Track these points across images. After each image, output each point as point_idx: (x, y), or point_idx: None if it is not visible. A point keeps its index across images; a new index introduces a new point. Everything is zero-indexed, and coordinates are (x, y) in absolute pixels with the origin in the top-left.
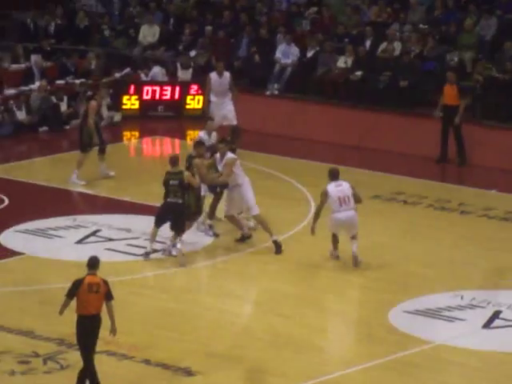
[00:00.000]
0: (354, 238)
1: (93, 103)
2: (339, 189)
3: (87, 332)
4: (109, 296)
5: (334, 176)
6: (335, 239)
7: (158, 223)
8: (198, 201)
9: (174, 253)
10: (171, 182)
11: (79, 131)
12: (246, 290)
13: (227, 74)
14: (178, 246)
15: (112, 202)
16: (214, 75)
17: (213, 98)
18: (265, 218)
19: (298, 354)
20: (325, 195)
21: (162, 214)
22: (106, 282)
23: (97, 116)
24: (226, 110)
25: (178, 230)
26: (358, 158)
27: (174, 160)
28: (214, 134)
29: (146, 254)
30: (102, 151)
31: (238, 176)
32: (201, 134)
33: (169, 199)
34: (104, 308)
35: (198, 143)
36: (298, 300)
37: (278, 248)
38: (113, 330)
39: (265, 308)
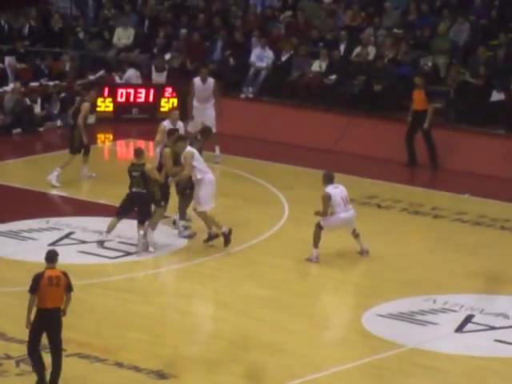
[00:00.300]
0: (358, 234)
1: (86, 104)
2: (338, 190)
3: (48, 325)
4: (69, 288)
5: (330, 179)
6: (319, 239)
7: (120, 214)
8: (162, 188)
9: (150, 249)
10: (133, 174)
11: (70, 132)
12: (219, 293)
13: (211, 81)
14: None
15: (86, 204)
16: (197, 80)
17: (195, 103)
18: (211, 215)
19: (269, 357)
20: (328, 198)
21: (126, 205)
22: (65, 275)
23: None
24: (205, 117)
25: (144, 218)
26: (332, 161)
27: (138, 152)
28: (181, 125)
29: (100, 243)
30: (86, 153)
31: (199, 171)
32: (164, 123)
33: (133, 189)
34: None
35: (172, 131)
36: (271, 303)
37: (226, 241)
38: (64, 313)
39: (237, 311)
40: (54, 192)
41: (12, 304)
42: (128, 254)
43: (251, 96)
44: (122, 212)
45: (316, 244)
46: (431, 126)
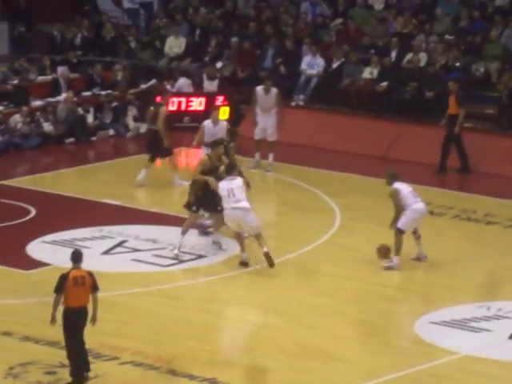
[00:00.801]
0: (419, 236)
1: (163, 108)
2: (404, 185)
3: (74, 324)
4: (95, 288)
5: (395, 177)
6: (402, 244)
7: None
8: (199, 194)
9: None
10: None
11: (151, 137)
12: (272, 300)
13: (274, 92)
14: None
15: (138, 212)
16: (260, 90)
17: (258, 111)
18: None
19: (321, 364)
20: (397, 193)
21: None
22: (90, 274)
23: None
24: (266, 125)
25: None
26: (384, 168)
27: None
28: (223, 125)
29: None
30: (169, 155)
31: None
32: (205, 123)
33: None
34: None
35: (216, 143)
36: (324, 311)
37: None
38: (93, 320)
39: (289, 318)
40: (107, 201)
41: None
42: (181, 261)
43: (302, 104)
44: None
45: (398, 251)
46: (461, 130)
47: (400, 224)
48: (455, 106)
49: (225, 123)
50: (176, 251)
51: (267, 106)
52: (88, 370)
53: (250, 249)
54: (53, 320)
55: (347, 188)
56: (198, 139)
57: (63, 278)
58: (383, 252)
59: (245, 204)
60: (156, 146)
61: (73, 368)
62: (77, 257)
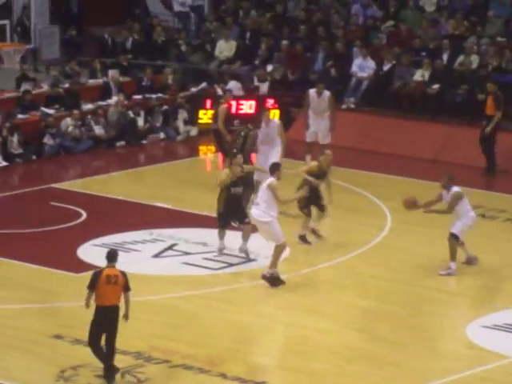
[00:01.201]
0: (463, 242)
1: (222, 107)
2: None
3: (105, 322)
4: (127, 287)
5: (453, 180)
6: (456, 250)
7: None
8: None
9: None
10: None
11: (215, 137)
12: (322, 303)
13: (326, 95)
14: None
15: (189, 215)
16: (312, 93)
17: (310, 114)
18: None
19: (372, 368)
20: (461, 197)
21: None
22: (124, 274)
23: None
24: (318, 128)
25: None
26: (435, 171)
27: None
28: (275, 123)
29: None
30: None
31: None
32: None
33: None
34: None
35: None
36: (374, 314)
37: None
38: (125, 317)
39: (340, 322)
40: (157, 204)
41: None
42: (231, 265)
43: (353, 106)
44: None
45: (454, 257)
46: (492, 131)
47: (456, 230)
48: (493, 107)
49: (276, 122)
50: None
51: (320, 109)
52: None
53: (301, 251)
54: (87, 305)
55: (398, 191)
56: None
57: (96, 276)
58: (409, 204)
59: (255, 212)
60: (222, 145)
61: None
62: (112, 256)
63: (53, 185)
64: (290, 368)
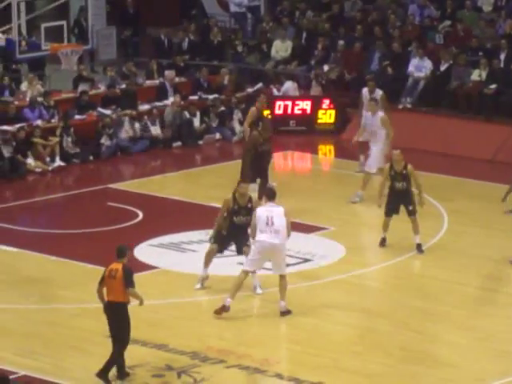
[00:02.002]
0: None
1: (252, 108)
2: None
3: (112, 318)
4: (127, 283)
5: None
6: None
7: None
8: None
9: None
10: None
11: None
12: (377, 304)
13: (379, 94)
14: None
15: None
16: (365, 91)
17: (364, 113)
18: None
19: (429, 369)
20: None
21: None
22: (124, 269)
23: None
24: (373, 127)
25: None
26: (492, 172)
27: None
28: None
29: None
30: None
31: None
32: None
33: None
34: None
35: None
36: (430, 315)
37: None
38: (140, 304)
39: (396, 323)
40: (213, 204)
41: (173, 315)
42: (287, 265)
43: (409, 106)
44: None
45: None
46: None
47: None
48: None
49: (380, 114)
50: (198, 285)
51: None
52: (107, 370)
53: (355, 251)
54: (101, 300)
55: (455, 192)
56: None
57: (104, 271)
58: None
59: (279, 238)
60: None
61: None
62: (119, 251)
63: (110, 185)
64: (346, 368)
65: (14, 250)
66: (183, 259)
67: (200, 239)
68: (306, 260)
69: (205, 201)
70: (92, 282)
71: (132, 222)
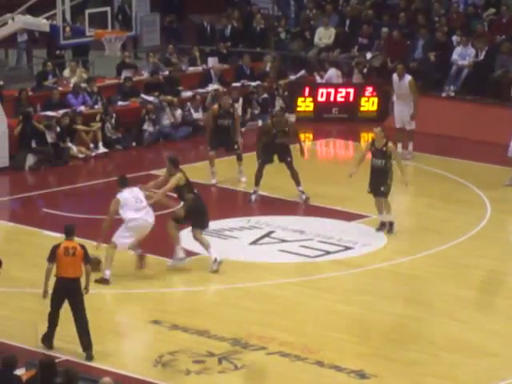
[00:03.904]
0: None
1: (214, 106)
2: None
3: (67, 294)
4: (86, 259)
5: None
6: None
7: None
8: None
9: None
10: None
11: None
12: (419, 293)
13: (407, 79)
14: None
15: (286, 203)
16: (394, 77)
17: (394, 99)
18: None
19: (472, 359)
20: None
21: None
22: (82, 246)
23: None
24: (403, 114)
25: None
26: None
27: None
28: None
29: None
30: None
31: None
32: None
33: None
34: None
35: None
36: (473, 304)
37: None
38: (86, 289)
39: (438, 312)
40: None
41: (215, 302)
42: (328, 253)
43: (452, 94)
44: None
45: None
46: None
47: None
48: None
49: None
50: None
51: (401, 93)
52: (90, 348)
53: (397, 240)
54: (45, 293)
55: (498, 180)
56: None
57: (54, 248)
58: None
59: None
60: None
61: (48, 328)
62: (69, 230)
63: (152, 171)
64: (387, 357)
65: (58, 235)
66: (224, 246)
67: (241, 226)
68: (348, 248)
69: (247, 188)
70: (133, 268)
71: (175, 209)
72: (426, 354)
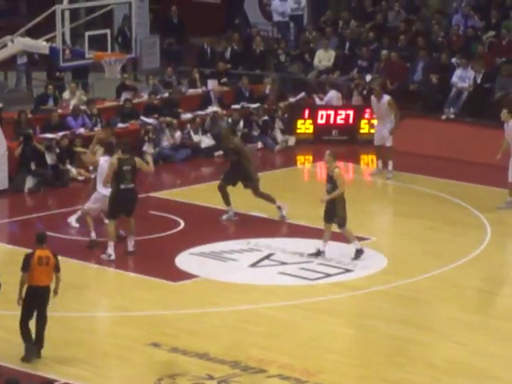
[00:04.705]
0: None
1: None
2: None
3: (36, 301)
4: (57, 268)
5: None
6: None
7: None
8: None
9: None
10: (124, 168)
11: None
12: (421, 315)
13: (385, 99)
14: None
15: (286, 225)
16: (373, 99)
17: (374, 121)
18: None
19: (471, 381)
20: None
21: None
22: (55, 256)
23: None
24: (382, 132)
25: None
26: None
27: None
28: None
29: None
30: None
31: None
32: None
33: (122, 186)
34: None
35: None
36: (474, 327)
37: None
38: (55, 293)
39: (440, 335)
40: (254, 213)
41: (214, 324)
42: (328, 275)
43: (452, 117)
44: (116, 212)
45: None
46: None
47: None
48: None
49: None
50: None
51: (381, 113)
52: (42, 346)
53: (397, 262)
54: (19, 299)
55: (498, 202)
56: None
57: (28, 257)
58: None
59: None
60: None
61: (25, 342)
62: (41, 238)
63: (152, 194)
64: (388, 380)
65: (58, 257)
66: (224, 268)
67: (241, 248)
68: (348, 270)
69: (246, 210)
70: (134, 290)
71: (173, 231)
72: (427, 376)
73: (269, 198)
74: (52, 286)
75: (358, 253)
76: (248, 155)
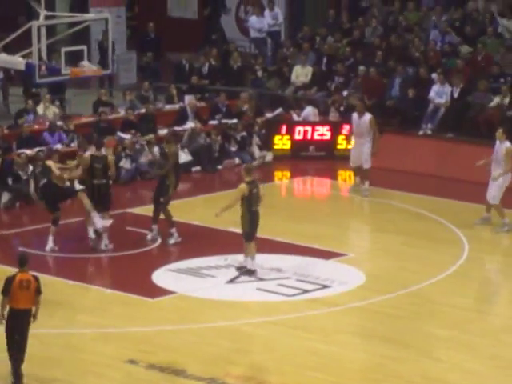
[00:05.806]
0: None
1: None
2: None
3: (17, 325)
4: (38, 292)
5: None
6: None
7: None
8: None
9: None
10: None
11: None
12: (398, 332)
13: (367, 117)
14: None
15: (263, 241)
16: (354, 115)
17: (353, 138)
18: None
19: None
20: None
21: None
22: (36, 279)
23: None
24: (360, 152)
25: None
26: None
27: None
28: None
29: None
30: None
31: None
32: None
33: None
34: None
35: None
36: (451, 343)
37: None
38: (34, 317)
39: (417, 351)
40: (232, 229)
41: (191, 341)
42: (305, 291)
43: (429, 133)
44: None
45: None
46: None
47: None
48: None
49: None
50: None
51: (360, 131)
52: (22, 362)
53: (376, 279)
54: (1, 318)
55: (476, 218)
56: None
57: (10, 281)
58: None
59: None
60: None
61: (13, 366)
62: (23, 260)
63: (128, 210)
64: None
65: (35, 274)
66: (201, 284)
67: (218, 264)
68: (325, 286)
69: (223, 226)
70: (111, 306)
71: (150, 247)
72: None
73: (170, 220)
74: (33, 310)
75: (248, 272)
76: (171, 169)
